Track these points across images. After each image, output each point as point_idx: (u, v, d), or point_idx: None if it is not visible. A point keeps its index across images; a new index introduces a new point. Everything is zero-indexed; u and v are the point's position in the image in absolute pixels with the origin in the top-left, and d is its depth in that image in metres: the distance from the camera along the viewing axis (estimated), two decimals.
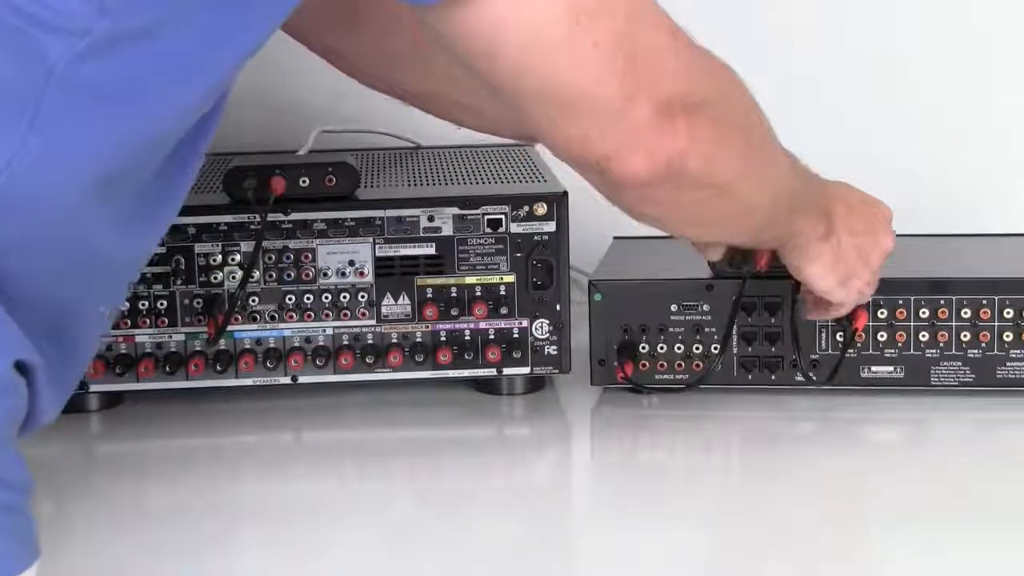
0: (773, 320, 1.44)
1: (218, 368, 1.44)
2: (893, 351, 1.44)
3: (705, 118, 1.09)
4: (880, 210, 1.37)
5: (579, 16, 1.01)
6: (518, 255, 1.45)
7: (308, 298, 1.45)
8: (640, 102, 1.05)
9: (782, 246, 1.31)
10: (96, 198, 1.00)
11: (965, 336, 1.43)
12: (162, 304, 1.43)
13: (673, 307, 1.45)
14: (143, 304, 1.43)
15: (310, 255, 1.44)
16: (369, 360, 1.45)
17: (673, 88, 1.07)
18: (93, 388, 1.44)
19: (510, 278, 1.45)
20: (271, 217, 1.41)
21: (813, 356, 1.44)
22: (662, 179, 1.08)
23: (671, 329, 1.45)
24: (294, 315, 1.45)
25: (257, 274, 1.44)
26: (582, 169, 1.11)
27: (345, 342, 1.46)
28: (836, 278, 1.33)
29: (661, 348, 1.46)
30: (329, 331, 1.45)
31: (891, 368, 1.44)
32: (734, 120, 1.15)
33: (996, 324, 1.43)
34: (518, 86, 1.04)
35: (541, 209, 1.45)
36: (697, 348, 1.45)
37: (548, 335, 1.47)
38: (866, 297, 1.38)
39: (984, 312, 1.43)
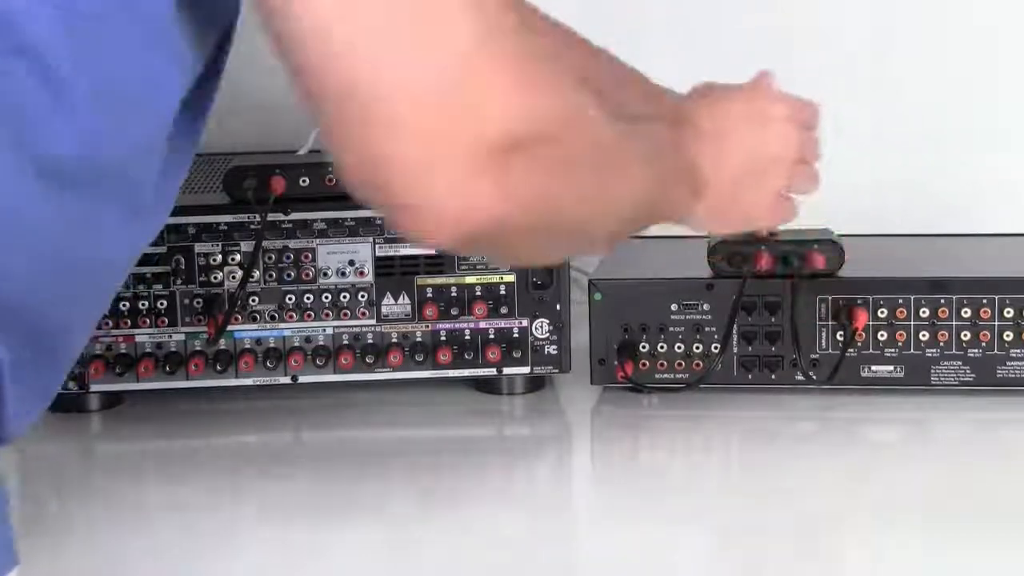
0: (773, 320, 1.44)
1: (218, 368, 1.44)
2: (893, 351, 1.44)
3: (537, 163, 0.94)
4: (743, 111, 1.26)
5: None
6: None
7: (308, 298, 1.45)
8: (454, 150, 0.91)
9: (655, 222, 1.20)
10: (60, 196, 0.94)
11: (965, 336, 1.43)
12: (162, 304, 1.43)
13: (673, 306, 1.45)
14: (143, 304, 1.43)
15: (310, 255, 1.44)
16: (369, 360, 1.45)
17: (501, 129, 0.92)
18: (93, 388, 1.44)
19: (510, 278, 1.45)
20: (271, 217, 1.41)
21: (813, 356, 1.44)
22: (469, 242, 0.95)
23: (671, 328, 1.45)
24: (294, 315, 1.45)
25: (257, 274, 1.44)
26: (356, 191, 0.95)
27: (345, 342, 1.45)
28: (738, 220, 1.27)
29: (661, 347, 1.45)
30: (329, 331, 1.45)
31: (891, 368, 1.44)
32: (578, 156, 0.99)
33: (996, 324, 1.43)
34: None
35: None
36: (697, 348, 1.45)
37: (548, 335, 1.46)
38: (807, 188, 1.30)
39: (984, 312, 1.43)
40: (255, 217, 1.42)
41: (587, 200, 1.02)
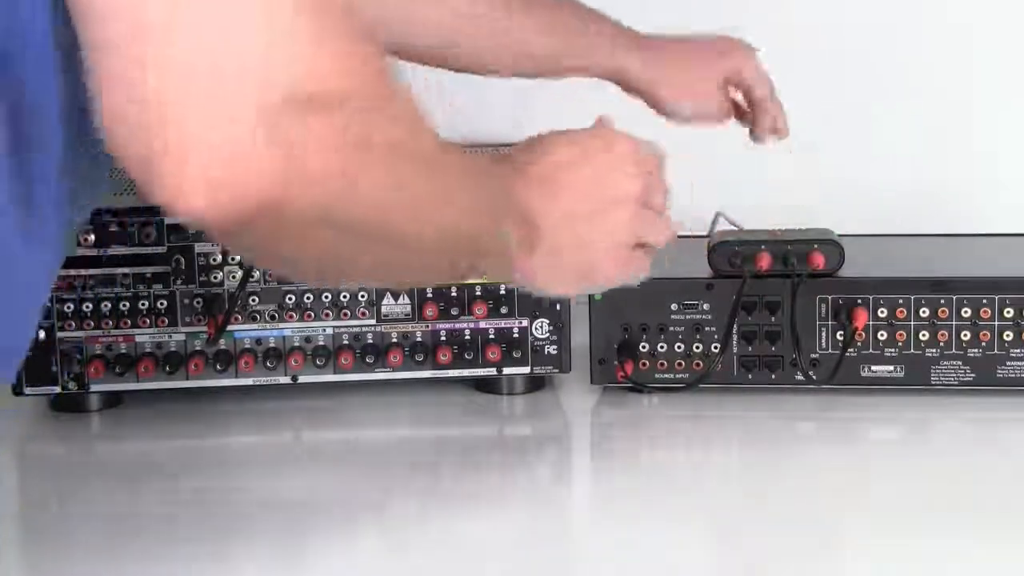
0: (773, 319, 1.44)
1: (218, 368, 1.44)
2: (893, 350, 1.44)
3: (332, 131, 0.83)
4: (576, 152, 1.11)
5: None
6: None
7: (308, 298, 1.45)
8: (235, 99, 0.79)
9: (476, 266, 1.08)
10: None
11: (965, 336, 1.43)
12: (162, 304, 1.43)
13: (673, 306, 1.45)
14: (143, 304, 1.43)
15: None
16: (369, 360, 1.45)
17: (292, 82, 0.81)
18: (93, 388, 1.44)
19: None
20: None
21: (813, 355, 1.44)
22: (239, 219, 0.82)
23: (671, 328, 1.45)
24: (294, 315, 1.45)
25: (257, 274, 1.44)
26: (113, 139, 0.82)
27: (345, 342, 1.45)
28: (575, 278, 1.11)
29: (661, 347, 1.46)
30: (329, 331, 1.45)
31: (891, 368, 1.44)
32: (384, 137, 0.87)
33: (996, 324, 1.43)
34: None
35: None
36: (697, 347, 1.45)
37: (548, 335, 1.47)
38: (657, 238, 1.15)
39: (984, 312, 1.43)
40: None
41: (391, 196, 0.88)
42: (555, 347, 1.47)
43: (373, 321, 1.46)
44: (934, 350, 1.43)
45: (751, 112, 1.48)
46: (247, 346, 1.45)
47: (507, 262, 1.07)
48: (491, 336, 1.46)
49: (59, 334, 1.42)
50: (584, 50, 1.43)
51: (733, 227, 1.63)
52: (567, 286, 1.12)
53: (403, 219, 0.90)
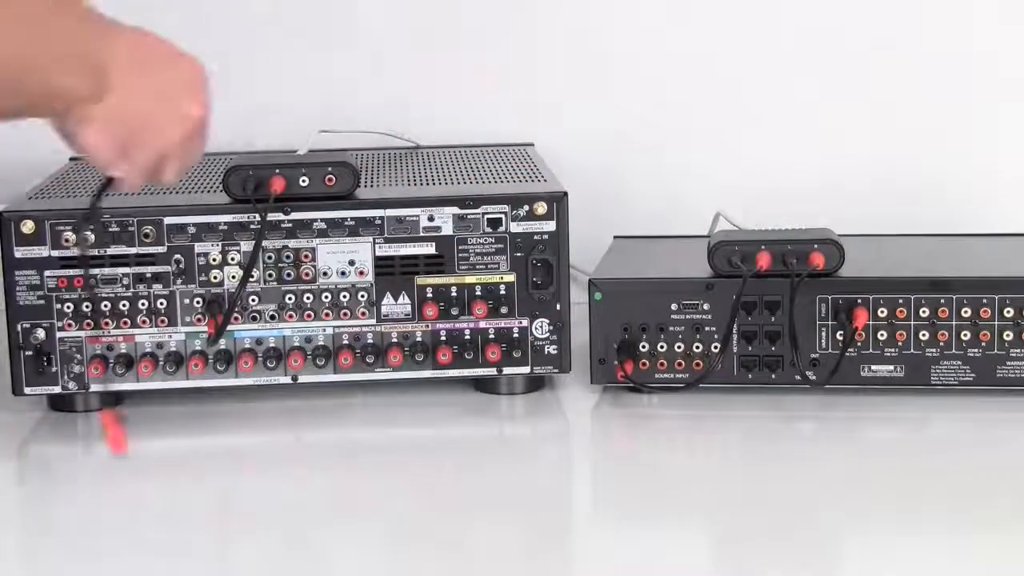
0: (773, 319, 1.44)
1: (218, 368, 1.44)
2: (893, 350, 1.44)
3: None
4: (183, 70, 1.18)
5: None
6: (518, 255, 1.45)
7: (308, 298, 1.45)
8: None
9: (36, 110, 1.13)
10: None
11: (965, 335, 1.43)
12: (162, 304, 1.43)
13: (673, 306, 1.45)
14: (143, 304, 1.43)
15: (310, 255, 1.44)
16: (369, 360, 1.45)
17: None
18: (93, 388, 1.44)
19: (510, 278, 1.45)
20: (271, 217, 1.41)
21: (813, 355, 1.44)
22: None
23: (671, 328, 1.45)
24: (294, 315, 1.45)
25: (257, 274, 1.44)
26: None
27: (345, 342, 1.46)
28: (112, 148, 1.15)
29: (661, 347, 1.46)
30: (329, 331, 1.45)
31: (891, 367, 1.44)
32: None
33: (996, 323, 1.43)
34: None
35: (541, 209, 1.45)
36: (697, 347, 1.45)
37: (548, 335, 1.47)
38: (166, 175, 1.20)
39: (984, 311, 1.43)
40: (255, 217, 1.42)
41: None
42: (555, 347, 1.47)
43: (373, 321, 1.46)
44: (934, 350, 1.43)
45: None
46: (247, 346, 1.45)
47: (68, 104, 1.12)
48: (491, 336, 1.46)
49: (59, 334, 1.42)
50: None
51: (733, 227, 1.63)
52: (106, 150, 1.16)
53: None
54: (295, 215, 1.43)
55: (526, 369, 1.47)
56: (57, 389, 1.43)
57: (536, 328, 1.46)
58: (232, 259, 1.43)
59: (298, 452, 1.41)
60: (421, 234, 1.45)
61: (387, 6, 1.78)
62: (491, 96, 1.80)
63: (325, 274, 1.44)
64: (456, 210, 1.45)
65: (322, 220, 1.44)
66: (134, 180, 1.19)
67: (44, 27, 1.07)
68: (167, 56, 1.17)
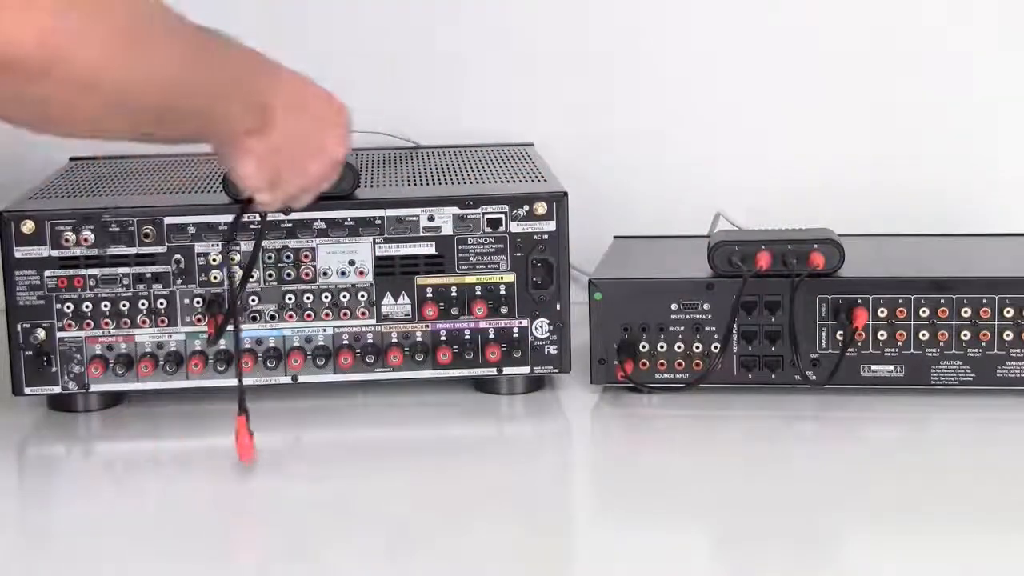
0: (773, 319, 1.44)
1: (218, 368, 1.44)
2: (893, 350, 1.44)
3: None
4: (332, 113, 1.26)
5: None
6: (518, 255, 1.45)
7: (308, 298, 1.45)
8: None
9: (204, 136, 1.20)
10: None
11: (965, 336, 1.43)
12: (162, 304, 1.43)
13: (673, 306, 1.45)
14: (143, 304, 1.43)
15: (310, 255, 1.44)
16: (369, 360, 1.45)
17: None
18: (93, 388, 1.44)
19: (510, 278, 1.45)
20: (271, 217, 1.41)
21: (813, 355, 1.44)
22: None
23: (671, 328, 1.45)
24: (294, 315, 1.45)
25: (257, 274, 1.44)
26: None
27: (345, 342, 1.46)
28: (265, 178, 1.23)
29: (661, 347, 1.46)
30: (329, 331, 1.45)
31: (891, 367, 1.44)
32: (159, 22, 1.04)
33: (996, 323, 1.43)
34: None
35: (541, 209, 1.45)
36: (697, 347, 1.45)
37: (548, 335, 1.47)
38: (299, 202, 1.29)
39: (984, 311, 1.43)
40: (255, 217, 1.42)
41: (118, 44, 1.02)
42: (555, 347, 1.47)
43: (373, 321, 1.46)
44: (934, 350, 1.43)
45: None
46: (247, 346, 1.45)
47: (230, 135, 1.19)
48: (491, 336, 1.46)
49: (59, 334, 1.42)
50: None
51: (733, 227, 1.63)
52: (259, 180, 1.23)
53: (122, 74, 1.03)
54: (295, 215, 1.43)
55: (526, 369, 1.47)
56: (57, 389, 1.43)
57: (536, 328, 1.46)
58: (232, 259, 1.43)
59: (298, 452, 1.41)
60: (421, 234, 1.45)
61: (387, 6, 1.78)
62: (491, 96, 1.80)
63: (325, 274, 1.44)
64: (456, 210, 1.45)
65: (322, 220, 1.44)
66: (273, 206, 1.28)
67: (226, 61, 1.15)
68: (320, 99, 1.25)
